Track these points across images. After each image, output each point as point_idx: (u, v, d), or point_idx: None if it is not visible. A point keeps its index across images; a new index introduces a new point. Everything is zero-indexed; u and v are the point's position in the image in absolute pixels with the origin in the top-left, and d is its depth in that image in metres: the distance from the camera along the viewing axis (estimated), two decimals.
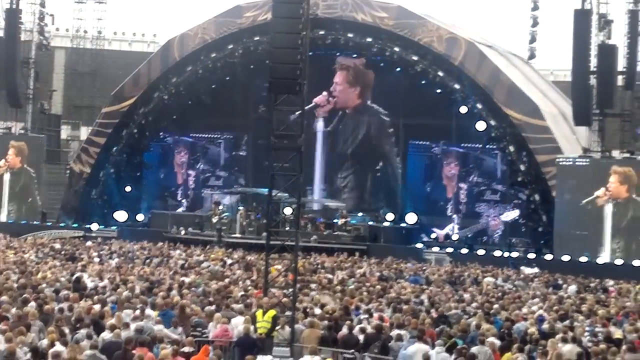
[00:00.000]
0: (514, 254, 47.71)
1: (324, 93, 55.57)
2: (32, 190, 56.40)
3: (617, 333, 22.33)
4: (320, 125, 57.61)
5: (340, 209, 53.50)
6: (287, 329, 21.61)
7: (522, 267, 42.99)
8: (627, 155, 47.15)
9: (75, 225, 55.16)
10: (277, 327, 21.56)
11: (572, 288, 34.89)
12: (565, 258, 45.87)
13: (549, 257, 46.72)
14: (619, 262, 45.33)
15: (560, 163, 47.44)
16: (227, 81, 56.67)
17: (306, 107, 24.88)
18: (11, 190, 56.39)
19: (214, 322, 21.71)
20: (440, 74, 51.56)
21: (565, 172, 47.42)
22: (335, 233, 50.80)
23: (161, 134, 60.85)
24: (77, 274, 28.36)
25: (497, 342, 20.39)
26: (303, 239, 41.82)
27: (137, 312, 21.38)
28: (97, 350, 17.96)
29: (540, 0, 59.24)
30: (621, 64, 47.57)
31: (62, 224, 55.51)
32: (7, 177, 56.13)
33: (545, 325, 23.31)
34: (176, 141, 61.69)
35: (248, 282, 30.21)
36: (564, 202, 47.37)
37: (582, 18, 46.50)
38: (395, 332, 21.32)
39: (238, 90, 57.20)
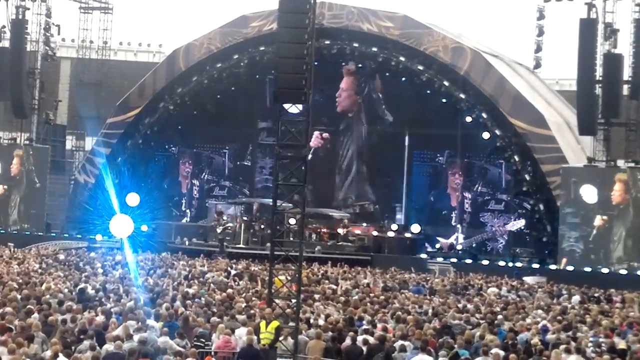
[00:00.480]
0: (518, 264, 47.61)
1: (316, 135, 55.58)
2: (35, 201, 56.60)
3: (621, 343, 22.23)
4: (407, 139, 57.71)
5: (343, 218, 53.44)
6: (291, 340, 21.56)
7: (525, 278, 42.87)
8: (633, 164, 47.05)
9: (79, 235, 55.16)
10: (280, 338, 21.51)
11: (576, 298, 34.82)
12: (569, 268, 45.81)
13: (553, 267, 46.61)
14: (623, 272, 45.20)
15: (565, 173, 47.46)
16: (232, 91, 56.75)
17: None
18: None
19: (217, 332, 21.67)
20: (446, 83, 51.52)
21: (570, 182, 47.33)
22: (339, 243, 50.78)
23: (166, 144, 60.89)
24: (81, 285, 28.33)
25: (501, 353, 20.31)
26: (307, 250, 41.76)
27: (140, 323, 21.33)
28: None
29: (546, 9, 59.08)
30: (627, 73, 47.50)
31: (66, 235, 55.52)
32: None
33: (550, 336, 23.25)
34: (181, 151, 61.75)
35: (251, 292, 30.15)
36: (568, 212, 47.29)
37: (587, 27, 46.51)
38: (398, 343, 21.25)
39: (243, 101, 57.22)
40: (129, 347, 18.95)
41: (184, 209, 61.10)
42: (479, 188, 56.02)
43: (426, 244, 53.99)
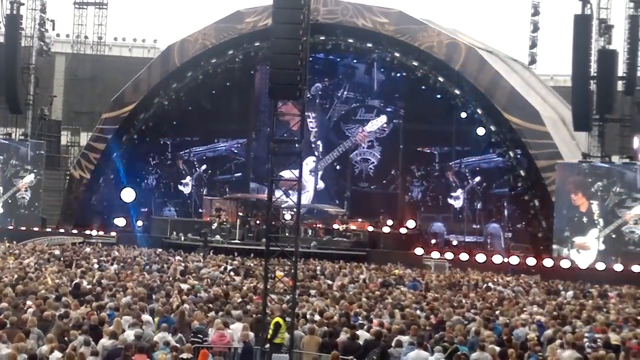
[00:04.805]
0: (514, 260, 47.57)
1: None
2: None
3: (614, 338, 22.22)
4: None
5: (339, 214, 53.42)
6: (287, 335, 21.53)
7: (522, 275, 42.90)
8: (627, 160, 47.14)
9: (74, 231, 55.13)
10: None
11: (570, 294, 34.89)
12: (565, 264, 45.85)
13: (548, 262, 46.60)
14: (618, 267, 45.24)
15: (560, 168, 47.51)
16: (227, 87, 56.70)
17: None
18: None
19: (212, 327, 21.66)
20: (441, 79, 51.51)
21: (565, 178, 47.39)
22: (335, 239, 50.77)
23: (161, 139, 60.81)
24: (76, 280, 28.32)
25: (497, 348, 20.34)
26: (303, 245, 41.83)
27: (136, 318, 21.31)
28: (98, 357, 17.90)
29: (541, 5, 59.31)
30: (621, 69, 47.65)
31: (61, 230, 55.47)
32: None
33: (546, 332, 23.26)
34: (176, 147, 61.62)
35: (247, 288, 30.11)
36: (563, 208, 47.35)
37: (582, 23, 46.49)
38: (395, 339, 21.22)
39: (238, 96, 57.18)
40: (125, 342, 18.94)
41: (180, 204, 60.97)
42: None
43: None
